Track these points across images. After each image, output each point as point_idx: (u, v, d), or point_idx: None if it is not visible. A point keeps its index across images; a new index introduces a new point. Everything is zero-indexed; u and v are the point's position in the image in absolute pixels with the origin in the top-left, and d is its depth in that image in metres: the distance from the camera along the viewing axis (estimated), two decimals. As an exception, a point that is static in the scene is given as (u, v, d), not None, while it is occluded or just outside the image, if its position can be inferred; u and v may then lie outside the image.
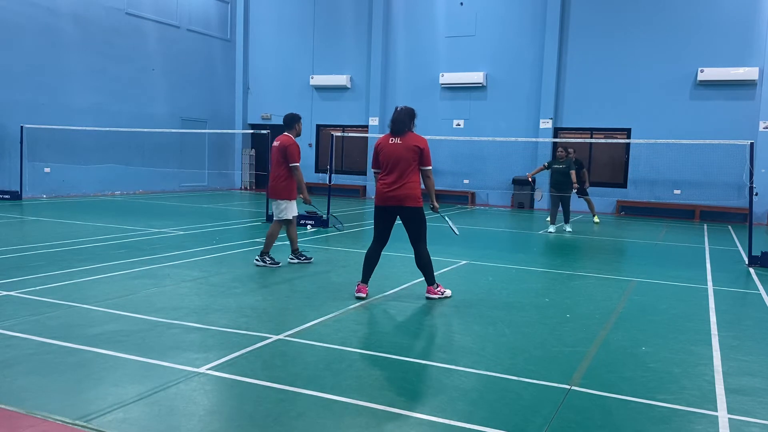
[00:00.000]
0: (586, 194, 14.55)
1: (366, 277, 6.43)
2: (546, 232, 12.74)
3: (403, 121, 6.23)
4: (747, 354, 4.96)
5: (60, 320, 5.17)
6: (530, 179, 14.61)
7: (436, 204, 6.56)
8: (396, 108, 6.36)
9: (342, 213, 14.15)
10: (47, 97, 16.85)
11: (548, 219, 13.99)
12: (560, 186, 12.73)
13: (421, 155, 6.19)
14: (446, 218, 7.15)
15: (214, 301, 5.99)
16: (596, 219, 14.85)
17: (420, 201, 6.25)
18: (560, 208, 12.82)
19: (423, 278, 6.59)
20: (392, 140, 6.24)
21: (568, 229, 12.82)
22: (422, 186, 6.35)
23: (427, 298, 6.37)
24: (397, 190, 6.16)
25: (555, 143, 18.58)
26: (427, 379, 4.14)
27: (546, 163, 13.46)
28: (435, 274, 6.50)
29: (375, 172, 6.41)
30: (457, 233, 7.22)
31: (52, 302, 5.70)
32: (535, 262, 9.25)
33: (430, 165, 6.29)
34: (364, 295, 6.31)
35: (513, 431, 3.37)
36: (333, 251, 9.44)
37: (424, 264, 6.38)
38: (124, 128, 17.78)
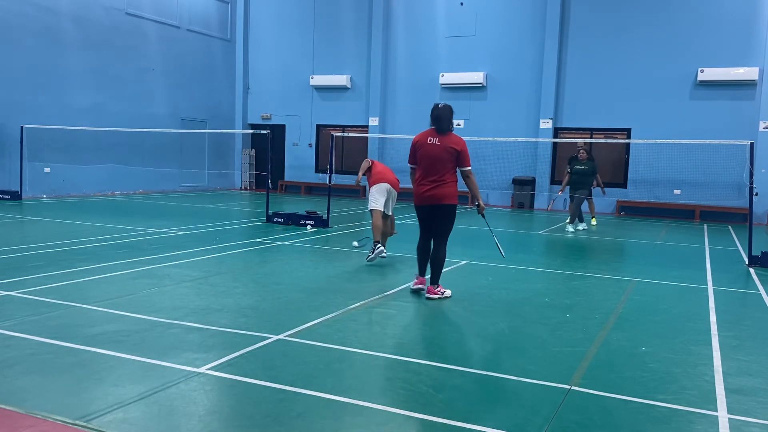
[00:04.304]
0: (590, 195, 14.62)
1: (422, 269, 6.60)
2: (574, 231, 12.98)
3: (447, 119, 6.28)
4: (747, 354, 4.96)
5: (60, 320, 5.17)
6: (561, 193, 14.85)
7: (481, 204, 6.58)
8: (436, 105, 6.36)
9: (342, 213, 14.15)
10: (47, 97, 16.86)
11: (567, 221, 14.34)
12: (580, 186, 13.15)
13: (458, 157, 6.24)
14: (495, 238, 7.16)
15: (214, 301, 5.99)
16: (593, 221, 14.89)
17: (456, 199, 6.35)
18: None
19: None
20: (431, 140, 6.28)
21: (571, 229, 13.01)
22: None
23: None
24: (433, 189, 6.26)
25: (552, 143, 18.62)
26: (427, 379, 4.14)
27: (569, 169, 13.74)
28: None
29: (411, 168, 6.50)
30: (504, 255, 7.17)
31: (52, 302, 5.69)
32: (535, 262, 9.25)
33: (469, 165, 6.33)
34: (422, 287, 6.51)
35: (513, 431, 3.37)
36: (333, 251, 9.45)
37: (438, 260, 6.42)
38: (124, 128, 17.76)
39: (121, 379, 3.92)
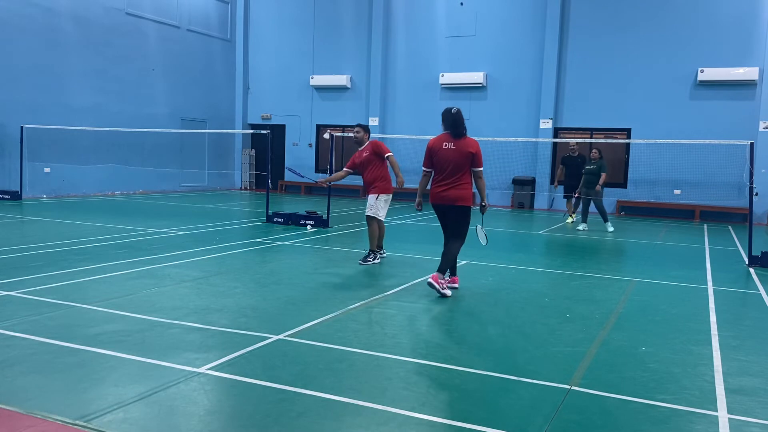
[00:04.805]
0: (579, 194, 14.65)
1: (453, 269, 6.82)
2: (582, 229, 13.17)
3: (462, 123, 6.49)
4: (747, 354, 4.96)
5: (60, 320, 5.17)
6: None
7: (486, 203, 6.83)
8: (449, 110, 6.52)
9: (342, 213, 14.15)
10: (47, 97, 16.86)
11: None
12: (591, 185, 13.31)
13: (473, 159, 6.48)
14: (479, 227, 7.18)
15: (214, 301, 5.99)
16: (570, 219, 14.89)
17: (470, 201, 6.59)
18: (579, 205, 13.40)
19: (421, 278, 6.60)
20: (446, 145, 6.47)
21: (610, 229, 13.22)
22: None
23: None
24: (449, 191, 6.48)
25: (552, 143, 18.63)
26: (427, 379, 4.14)
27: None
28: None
29: (425, 171, 6.67)
30: (484, 243, 7.21)
31: (52, 302, 5.70)
32: (535, 262, 9.25)
33: (481, 167, 6.56)
34: (457, 286, 6.79)
35: (513, 431, 3.37)
36: (333, 251, 9.44)
37: (451, 255, 6.58)
38: (124, 128, 17.77)
39: (121, 379, 3.92)
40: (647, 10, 17.60)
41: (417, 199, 6.97)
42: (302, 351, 4.59)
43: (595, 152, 13.40)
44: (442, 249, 6.75)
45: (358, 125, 8.62)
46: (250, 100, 23.52)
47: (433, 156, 6.54)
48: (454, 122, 6.46)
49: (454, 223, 6.62)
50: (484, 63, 19.60)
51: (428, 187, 6.79)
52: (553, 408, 3.68)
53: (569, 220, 14.83)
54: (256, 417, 3.45)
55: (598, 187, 13.29)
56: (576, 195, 13.91)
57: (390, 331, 5.28)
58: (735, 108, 16.79)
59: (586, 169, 13.36)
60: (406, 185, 8.78)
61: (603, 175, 13.22)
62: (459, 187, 6.47)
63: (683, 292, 7.27)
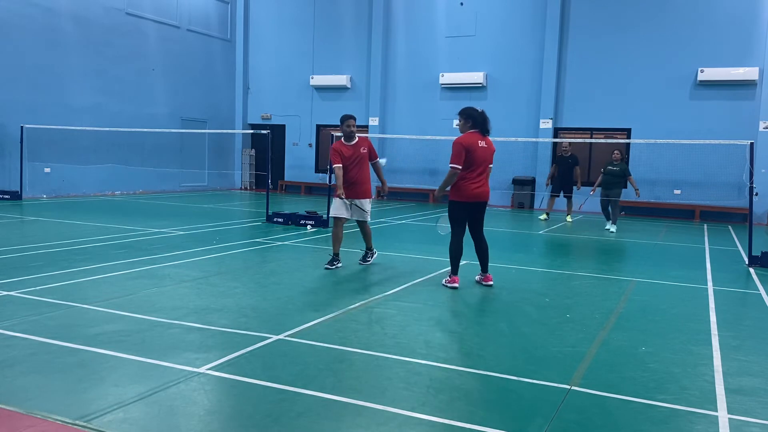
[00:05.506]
0: (571, 193, 14.62)
1: (458, 269, 6.94)
2: (608, 231, 13.13)
3: (489, 121, 6.82)
4: (747, 354, 4.96)
5: (60, 320, 5.17)
6: (593, 193, 14.53)
7: None
8: (475, 109, 6.84)
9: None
10: (47, 97, 16.86)
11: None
12: (611, 186, 13.22)
13: (492, 156, 6.96)
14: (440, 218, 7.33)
15: (214, 301, 5.99)
16: (569, 218, 14.89)
17: None
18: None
19: (421, 278, 6.61)
20: (481, 143, 6.76)
21: (612, 230, 13.12)
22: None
23: (490, 285, 6.96)
24: (483, 187, 6.83)
25: (552, 143, 18.63)
26: (427, 379, 4.14)
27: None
28: (435, 274, 6.54)
29: (457, 169, 6.71)
30: (442, 233, 7.45)
31: (52, 302, 5.70)
32: (535, 262, 9.25)
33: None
34: (457, 285, 6.84)
35: (513, 431, 3.37)
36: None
37: (485, 248, 7.01)
38: (124, 128, 17.77)
39: (121, 379, 3.92)
40: (647, 10, 17.60)
41: (441, 192, 7.04)
42: (302, 351, 4.59)
43: (617, 153, 13.26)
44: (456, 247, 6.87)
45: (352, 117, 7.93)
46: (250, 100, 23.52)
47: (469, 154, 6.66)
48: (484, 120, 6.77)
49: (481, 217, 6.98)
50: (484, 63, 19.59)
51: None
52: (553, 408, 3.68)
53: (543, 216, 14.90)
54: (256, 417, 3.45)
55: (637, 194, 13.19)
56: (591, 192, 13.83)
57: (390, 331, 5.27)
58: (735, 108, 16.79)
59: (608, 170, 13.21)
60: (388, 185, 8.79)
61: (632, 179, 13.14)
62: (487, 183, 6.90)
63: (683, 292, 7.27)
